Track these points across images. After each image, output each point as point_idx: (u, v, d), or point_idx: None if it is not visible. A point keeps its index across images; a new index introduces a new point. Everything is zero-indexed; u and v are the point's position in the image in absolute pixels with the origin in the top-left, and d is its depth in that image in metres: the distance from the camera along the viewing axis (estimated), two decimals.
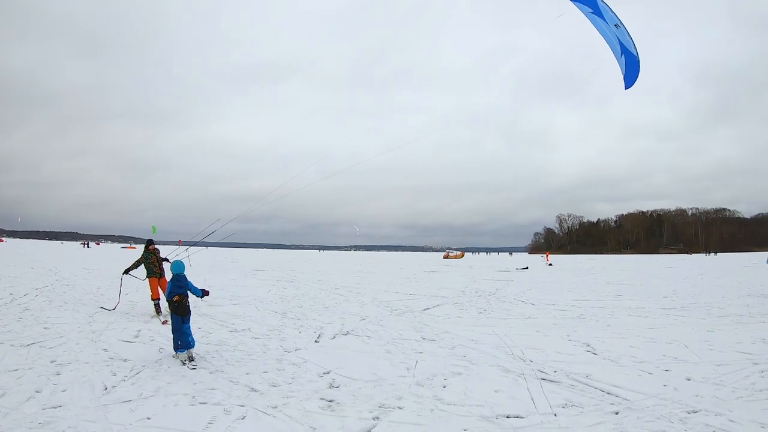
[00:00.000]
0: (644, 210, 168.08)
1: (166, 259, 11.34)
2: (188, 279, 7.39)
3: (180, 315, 7.03)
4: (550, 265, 40.79)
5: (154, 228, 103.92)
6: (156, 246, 11.53)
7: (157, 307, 10.72)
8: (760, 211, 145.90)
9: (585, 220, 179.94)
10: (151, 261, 11.18)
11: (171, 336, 7.23)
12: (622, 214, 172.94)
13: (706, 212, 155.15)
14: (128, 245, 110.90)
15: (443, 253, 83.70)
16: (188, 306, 7.18)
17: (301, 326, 10.01)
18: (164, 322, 9.62)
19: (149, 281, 11.05)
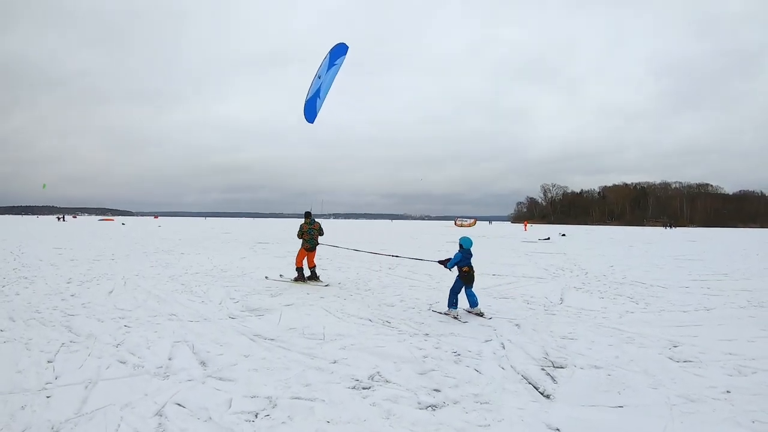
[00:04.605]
0: (628, 182, 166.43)
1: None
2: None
3: None
4: (548, 239, 35.99)
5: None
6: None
7: None
8: (738, 189, 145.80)
9: (569, 191, 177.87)
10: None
11: None
12: (606, 186, 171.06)
13: (689, 186, 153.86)
14: (105, 217, 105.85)
15: (453, 222, 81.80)
16: None
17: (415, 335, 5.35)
18: None
19: None
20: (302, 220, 11.33)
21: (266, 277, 11.88)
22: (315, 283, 10.95)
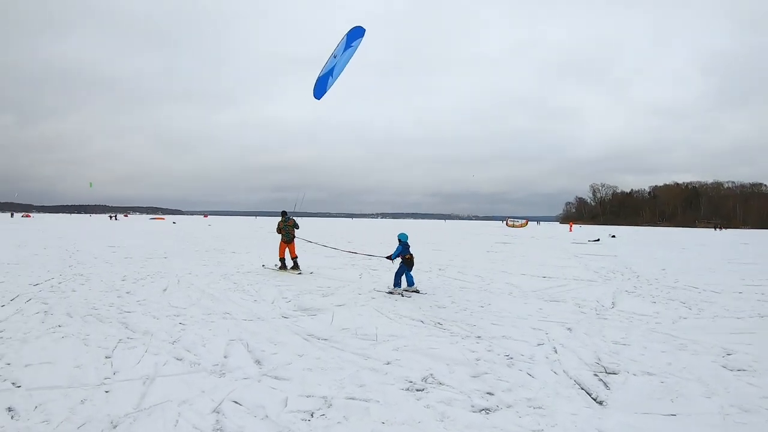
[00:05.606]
0: (679, 182, 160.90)
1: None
2: None
3: None
4: (597, 240, 35.01)
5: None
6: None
7: None
8: None
9: (618, 191, 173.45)
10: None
11: None
12: (657, 186, 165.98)
13: (742, 186, 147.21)
14: (156, 216, 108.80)
15: (504, 222, 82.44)
16: None
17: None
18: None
19: None
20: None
21: (263, 266, 14.31)
22: (293, 271, 12.98)
